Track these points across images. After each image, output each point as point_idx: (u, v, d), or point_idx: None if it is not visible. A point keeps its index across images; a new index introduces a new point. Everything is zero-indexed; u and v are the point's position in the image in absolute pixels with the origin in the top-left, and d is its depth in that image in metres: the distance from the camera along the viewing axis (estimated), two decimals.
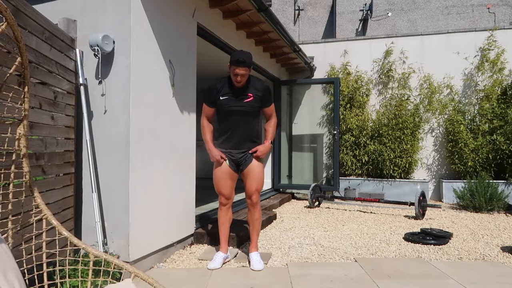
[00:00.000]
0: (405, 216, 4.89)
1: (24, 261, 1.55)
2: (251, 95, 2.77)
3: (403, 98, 6.47)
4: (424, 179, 6.25)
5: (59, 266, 1.75)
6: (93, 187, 2.60)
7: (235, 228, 3.62)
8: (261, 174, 2.90)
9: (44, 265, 1.63)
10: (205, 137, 2.89)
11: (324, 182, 6.82)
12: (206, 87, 2.87)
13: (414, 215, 4.77)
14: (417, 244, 3.53)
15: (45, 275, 1.60)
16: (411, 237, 3.64)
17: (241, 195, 5.64)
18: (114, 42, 2.63)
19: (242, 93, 2.76)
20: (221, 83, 2.80)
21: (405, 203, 4.99)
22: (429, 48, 6.48)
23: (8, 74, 1.49)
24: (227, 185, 2.89)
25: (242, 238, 3.46)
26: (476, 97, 6.27)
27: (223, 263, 2.92)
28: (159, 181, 2.96)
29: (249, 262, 2.90)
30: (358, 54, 6.77)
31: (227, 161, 2.86)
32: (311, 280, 2.60)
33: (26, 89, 1.56)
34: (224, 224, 2.97)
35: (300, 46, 5.76)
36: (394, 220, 4.67)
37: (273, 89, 6.52)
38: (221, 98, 2.78)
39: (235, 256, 3.13)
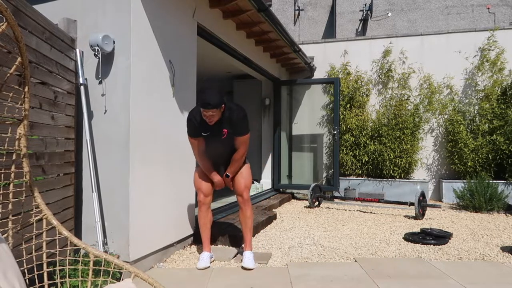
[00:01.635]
0: (405, 216, 4.89)
1: (24, 261, 1.56)
2: (226, 131, 2.73)
3: (403, 98, 6.47)
4: (424, 179, 6.25)
5: (59, 266, 1.76)
6: (93, 187, 2.60)
7: (235, 228, 3.62)
8: (247, 173, 2.95)
9: (44, 265, 1.63)
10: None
11: (324, 182, 6.82)
12: (186, 120, 2.80)
13: (414, 215, 4.77)
14: (417, 244, 3.53)
15: (45, 275, 1.60)
16: (411, 237, 3.64)
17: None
18: (114, 42, 2.63)
19: (218, 129, 2.72)
20: (199, 114, 2.68)
21: (405, 203, 5.00)
22: (429, 48, 6.48)
23: (8, 74, 1.49)
24: (208, 183, 2.94)
25: (242, 238, 3.45)
26: (476, 97, 6.27)
27: (211, 262, 2.95)
28: (159, 181, 2.96)
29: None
30: (358, 54, 6.77)
31: None
32: (311, 280, 2.60)
33: (26, 89, 1.56)
34: (205, 225, 2.99)
35: (300, 46, 5.76)
36: (394, 220, 4.67)
37: (273, 89, 6.54)
38: (202, 134, 2.75)
39: (235, 256, 3.13)
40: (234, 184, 2.95)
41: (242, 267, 2.82)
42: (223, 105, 2.60)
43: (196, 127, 2.73)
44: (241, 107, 2.74)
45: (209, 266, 2.86)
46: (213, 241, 3.43)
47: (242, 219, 2.98)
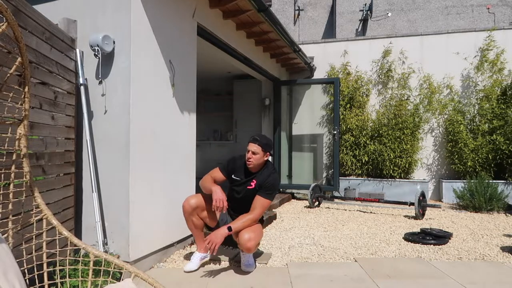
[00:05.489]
0: (405, 216, 4.89)
1: (24, 261, 1.56)
2: (254, 183, 2.76)
3: (403, 98, 6.48)
4: (424, 179, 6.25)
5: (59, 266, 1.76)
6: (93, 187, 2.61)
7: None
8: (259, 230, 2.74)
9: (45, 265, 1.63)
10: (206, 184, 2.76)
11: (324, 182, 6.82)
12: (230, 157, 2.91)
13: (414, 215, 4.77)
14: (417, 244, 3.53)
15: (45, 275, 1.60)
16: (411, 237, 3.64)
17: None
18: (114, 42, 2.63)
19: (248, 178, 2.78)
20: (241, 161, 2.83)
21: (405, 203, 5.00)
22: (429, 48, 6.48)
23: (8, 74, 1.49)
24: (202, 204, 2.78)
25: None
26: (476, 97, 6.27)
27: (201, 264, 2.85)
28: (159, 181, 2.96)
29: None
30: (358, 54, 6.77)
31: (225, 212, 2.87)
32: (311, 280, 2.60)
33: (26, 89, 1.56)
34: (193, 228, 2.85)
35: (300, 46, 5.76)
36: (394, 220, 4.67)
37: (273, 89, 6.54)
38: (233, 176, 2.83)
39: (235, 256, 3.13)
40: (238, 237, 2.63)
41: (242, 268, 2.81)
42: (267, 153, 2.74)
43: (231, 166, 2.83)
44: (278, 178, 2.80)
45: (196, 269, 2.77)
46: None
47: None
